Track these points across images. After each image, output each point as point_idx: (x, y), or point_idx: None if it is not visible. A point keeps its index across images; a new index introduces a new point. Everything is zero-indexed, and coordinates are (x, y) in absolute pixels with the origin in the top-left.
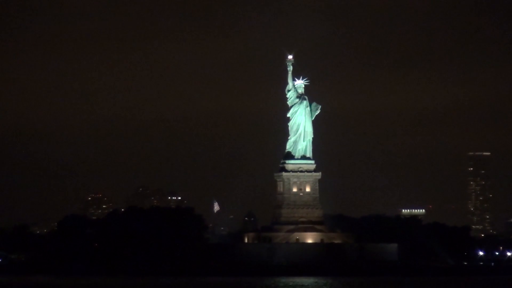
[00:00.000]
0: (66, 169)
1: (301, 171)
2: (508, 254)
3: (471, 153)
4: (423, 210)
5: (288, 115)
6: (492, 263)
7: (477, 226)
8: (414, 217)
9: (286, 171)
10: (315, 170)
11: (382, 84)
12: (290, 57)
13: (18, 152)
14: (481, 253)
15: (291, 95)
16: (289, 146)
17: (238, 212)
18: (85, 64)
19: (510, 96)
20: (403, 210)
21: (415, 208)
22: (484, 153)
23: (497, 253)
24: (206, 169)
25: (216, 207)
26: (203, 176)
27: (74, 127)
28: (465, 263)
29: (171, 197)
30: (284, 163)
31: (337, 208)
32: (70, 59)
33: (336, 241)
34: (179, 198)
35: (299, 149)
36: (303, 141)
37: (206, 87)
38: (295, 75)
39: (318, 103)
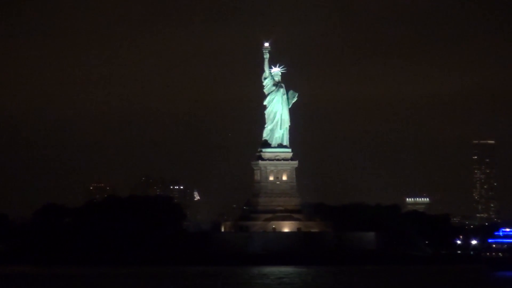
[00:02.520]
0: (69, 158)
1: (278, 160)
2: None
3: (475, 142)
4: (427, 199)
5: (265, 103)
6: (471, 252)
7: (482, 215)
8: (394, 205)
9: (263, 159)
10: (292, 159)
11: (381, 72)
12: (266, 44)
13: (21, 141)
14: (474, 242)
15: (267, 83)
16: (265, 134)
17: (218, 201)
18: (88, 54)
19: None
20: (407, 199)
21: (419, 197)
22: (489, 141)
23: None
24: (205, 158)
25: (197, 196)
26: (202, 166)
27: (77, 116)
28: (443, 252)
29: (174, 186)
30: (261, 151)
31: (333, 197)
32: (76, 50)
33: (313, 230)
34: (181, 187)
35: (276, 137)
36: (280, 129)
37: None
38: (272, 63)
39: (295, 91)
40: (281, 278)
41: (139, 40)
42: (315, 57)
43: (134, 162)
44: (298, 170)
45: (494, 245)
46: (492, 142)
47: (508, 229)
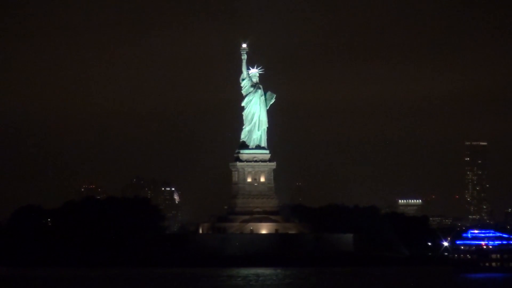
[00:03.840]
0: (61, 159)
1: (256, 161)
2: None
3: (467, 143)
4: (420, 200)
5: (243, 104)
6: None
7: (474, 216)
8: (372, 207)
9: (241, 161)
10: (270, 160)
11: (371, 74)
12: (244, 45)
13: (13, 143)
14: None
15: (245, 84)
16: (243, 136)
17: (201, 202)
18: (80, 55)
19: (507, 85)
20: (400, 201)
21: (412, 199)
22: (481, 143)
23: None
24: (190, 160)
25: (177, 198)
26: (190, 167)
27: (69, 118)
28: (429, 254)
29: (165, 188)
30: (239, 152)
31: (313, 199)
32: (67, 50)
33: (291, 232)
34: (173, 189)
35: (253, 139)
36: (258, 130)
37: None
38: (250, 64)
39: (273, 92)
40: (249, 280)
41: (127, 43)
42: (293, 58)
43: (128, 163)
44: (276, 172)
45: (462, 247)
46: (484, 143)
47: (476, 231)
